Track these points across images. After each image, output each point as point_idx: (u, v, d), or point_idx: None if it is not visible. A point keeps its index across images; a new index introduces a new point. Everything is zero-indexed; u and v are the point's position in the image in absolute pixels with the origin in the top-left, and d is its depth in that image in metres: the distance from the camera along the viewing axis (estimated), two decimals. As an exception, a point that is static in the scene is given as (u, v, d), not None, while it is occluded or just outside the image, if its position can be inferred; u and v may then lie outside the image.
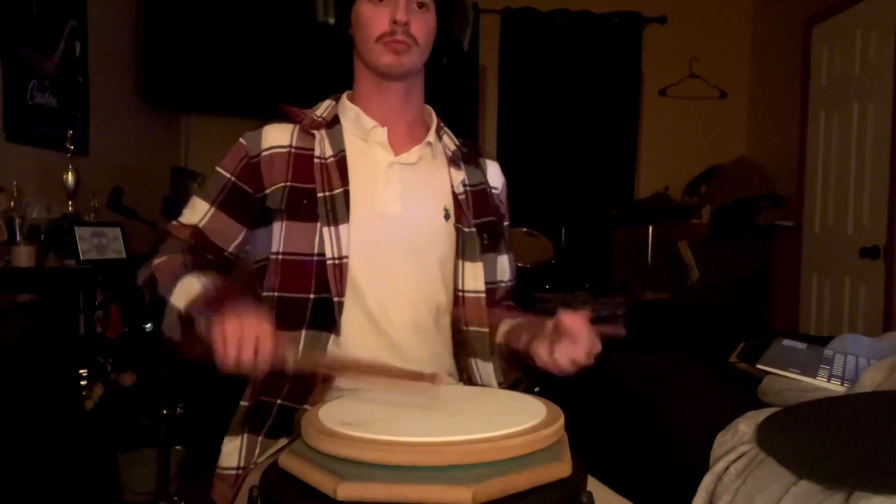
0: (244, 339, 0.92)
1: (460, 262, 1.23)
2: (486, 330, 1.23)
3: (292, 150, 1.20)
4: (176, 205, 3.05)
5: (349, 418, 0.88)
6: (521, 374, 1.26)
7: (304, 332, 1.15)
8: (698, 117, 4.23)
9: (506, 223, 1.37)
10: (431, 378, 1.00)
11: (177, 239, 1.22)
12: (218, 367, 0.94)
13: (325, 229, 1.15)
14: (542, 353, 1.07)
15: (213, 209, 1.22)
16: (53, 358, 2.07)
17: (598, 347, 1.04)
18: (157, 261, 1.20)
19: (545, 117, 4.19)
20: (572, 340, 1.03)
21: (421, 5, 1.18)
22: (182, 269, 1.15)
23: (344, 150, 1.21)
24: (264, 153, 1.20)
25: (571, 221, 3.90)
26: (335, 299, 1.14)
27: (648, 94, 4.26)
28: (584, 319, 1.03)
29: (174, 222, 1.25)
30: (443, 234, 1.24)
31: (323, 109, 1.26)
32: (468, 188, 1.27)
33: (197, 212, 1.23)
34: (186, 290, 1.08)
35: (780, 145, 3.93)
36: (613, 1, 4.17)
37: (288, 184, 1.18)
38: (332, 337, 1.15)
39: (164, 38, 3.46)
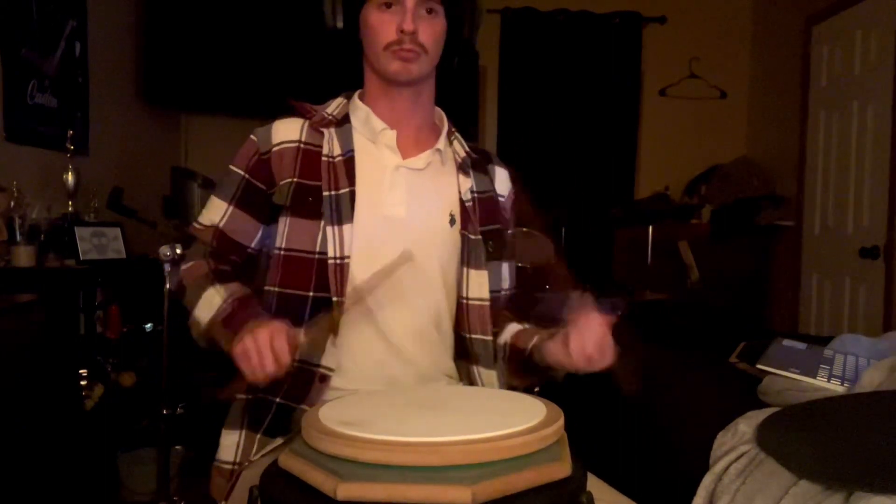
0: (261, 353, 0.98)
1: (465, 269, 1.22)
2: (489, 338, 1.22)
3: (301, 145, 1.20)
4: (176, 205, 3.05)
5: (349, 418, 0.88)
6: (528, 378, 1.26)
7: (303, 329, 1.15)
8: (698, 117, 4.22)
9: (510, 231, 1.35)
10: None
11: (201, 243, 1.24)
12: (250, 380, 1.01)
13: (329, 228, 1.15)
14: (556, 349, 1.09)
15: (231, 207, 1.22)
16: (53, 358, 2.07)
17: (609, 339, 1.06)
18: (184, 266, 1.23)
19: (545, 117, 4.19)
20: (581, 331, 1.05)
21: (430, 11, 1.16)
22: (205, 279, 1.18)
23: (352, 150, 1.20)
24: (275, 149, 1.20)
25: (571, 221, 3.89)
26: (334, 299, 1.14)
27: (648, 94, 4.26)
28: (595, 314, 1.07)
29: (196, 224, 1.26)
30: (446, 240, 1.22)
31: (334, 107, 1.25)
32: (476, 195, 1.26)
33: (216, 211, 1.23)
34: (208, 305, 1.14)
35: (780, 145, 3.93)
36: (613, 1, 4.17)
37: (294, 180, 1.18)
38: (331, 337, 1.14)
39: (164, 38, 3.45)
